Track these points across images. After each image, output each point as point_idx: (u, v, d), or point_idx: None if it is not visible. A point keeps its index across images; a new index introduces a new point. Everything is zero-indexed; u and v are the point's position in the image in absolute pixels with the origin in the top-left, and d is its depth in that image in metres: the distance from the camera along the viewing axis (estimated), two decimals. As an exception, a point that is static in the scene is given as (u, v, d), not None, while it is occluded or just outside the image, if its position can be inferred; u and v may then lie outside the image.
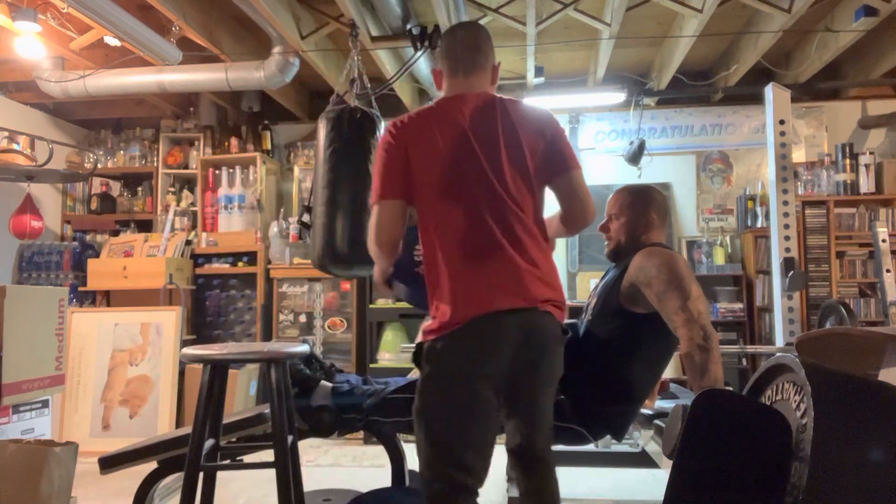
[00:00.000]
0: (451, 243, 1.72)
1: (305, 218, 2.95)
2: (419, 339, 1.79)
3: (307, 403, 2.27)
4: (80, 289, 4.78)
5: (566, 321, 1.87)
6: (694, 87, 4.91)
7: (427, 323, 1.76)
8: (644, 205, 2.23)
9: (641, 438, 2.78)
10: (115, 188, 5.52)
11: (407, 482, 2.47)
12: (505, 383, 1.72)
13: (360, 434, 4.38)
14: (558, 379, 1.84)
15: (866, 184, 4.71)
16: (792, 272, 3.49)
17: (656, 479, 3.24)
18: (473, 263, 1.70)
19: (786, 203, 3.56)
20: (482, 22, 3.87)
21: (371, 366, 4.70)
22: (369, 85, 3.10)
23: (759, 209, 4.81)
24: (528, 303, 1.70)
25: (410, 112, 1.83)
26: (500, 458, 1.80)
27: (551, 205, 1.89)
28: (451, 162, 1.74)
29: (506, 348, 1.68)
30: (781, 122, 3.61)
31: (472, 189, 1.73)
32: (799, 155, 4.97)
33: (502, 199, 1.73)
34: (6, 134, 4.35)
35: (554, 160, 1.81)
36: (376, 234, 1.77)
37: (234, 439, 2.38)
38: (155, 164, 5.36)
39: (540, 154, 1.79)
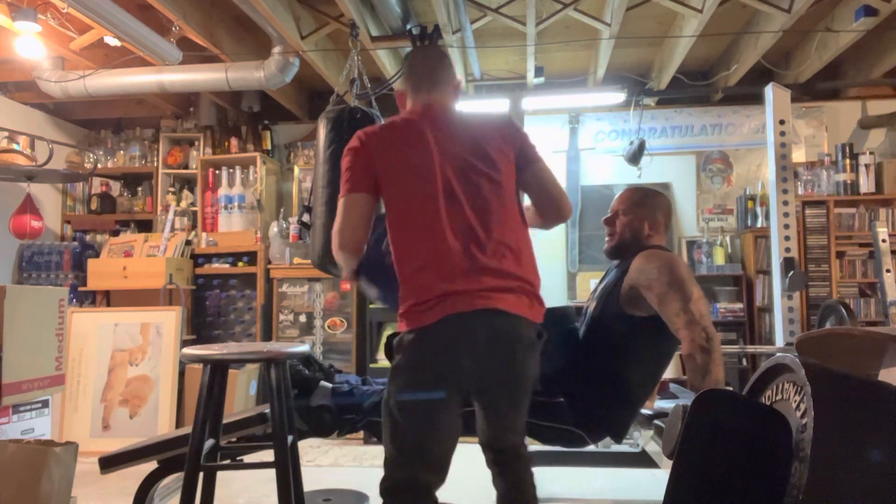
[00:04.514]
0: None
1: (305, 218, 2.94)
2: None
3: (307, 404, 2.27)
4: (80, 289, 4.78)
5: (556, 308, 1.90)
6: (694, 87, 4.91)
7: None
8: (654, 206, 2.24)
9: (641, 438, 2.78)
10: (115, 188, 5.52)
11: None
12: None
13: (360, 434, 4.37)
14: None
15: (866, 184, 4.71)
16: (792, 272, 3.49)
17: (656, 479, 3.23)
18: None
19: (786, 203, 3.56)
20: (482, 22, 3.88)
21: (371, 366, 4.70)
22: (369, 85, 3.10)
23: (759, 209, 4.81)
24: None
25: (378, 124, 1.82)
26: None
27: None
28: (419, 169, 1.73)
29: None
30: (781, 122, 3.61)
31: (442, 192, 1.72)
32: (799, 155, 4.97)
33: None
34: (6, 134, 4.35)
35: (524, 155, 1.84)
36: (340, 233, 1.74)
37: (234, 439, 2.38)
38: (155, 164, 5.36)
39: (507, 156, 1.81)
